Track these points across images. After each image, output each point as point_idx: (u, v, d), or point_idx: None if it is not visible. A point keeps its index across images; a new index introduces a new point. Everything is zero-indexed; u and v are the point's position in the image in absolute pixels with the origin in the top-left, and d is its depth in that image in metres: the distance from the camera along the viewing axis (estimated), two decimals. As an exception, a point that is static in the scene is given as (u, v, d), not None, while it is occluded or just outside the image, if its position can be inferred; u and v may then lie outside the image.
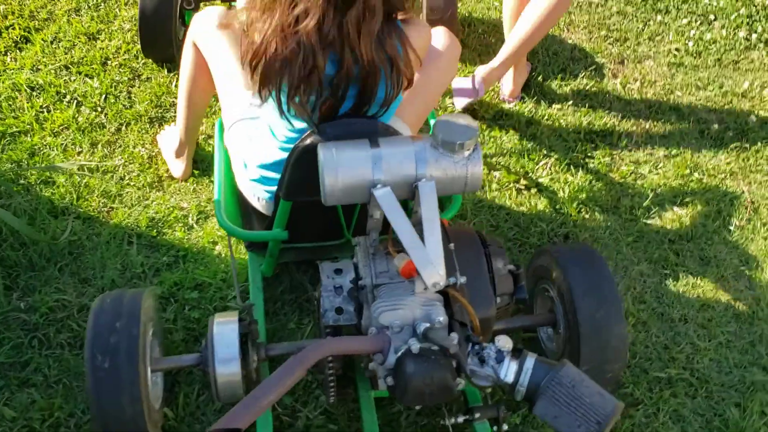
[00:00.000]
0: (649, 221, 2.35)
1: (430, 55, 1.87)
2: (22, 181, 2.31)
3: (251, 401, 1.34)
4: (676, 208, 2.39)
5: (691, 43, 3.02)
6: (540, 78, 2.80)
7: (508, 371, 1.43)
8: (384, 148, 1.53)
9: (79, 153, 2.43)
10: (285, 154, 1.69)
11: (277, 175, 1.75)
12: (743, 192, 2.46)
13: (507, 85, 2.68)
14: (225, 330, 1.66)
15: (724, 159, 2.56)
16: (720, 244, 2.30)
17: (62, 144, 2.45)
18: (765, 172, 2.53)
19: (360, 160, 1.51)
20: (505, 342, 1.48)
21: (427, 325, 1.46)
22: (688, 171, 2.50)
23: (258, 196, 1.84)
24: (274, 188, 1.76)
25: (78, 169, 2.35)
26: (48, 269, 2.10)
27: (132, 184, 2.36)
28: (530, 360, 1.43)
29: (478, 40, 2.95)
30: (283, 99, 1.58)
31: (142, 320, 1.65)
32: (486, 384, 1.47)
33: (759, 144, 2.61)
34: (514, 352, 1.45)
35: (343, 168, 1.51)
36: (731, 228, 2.34)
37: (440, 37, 1.91)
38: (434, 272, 1.47)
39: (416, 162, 1.52)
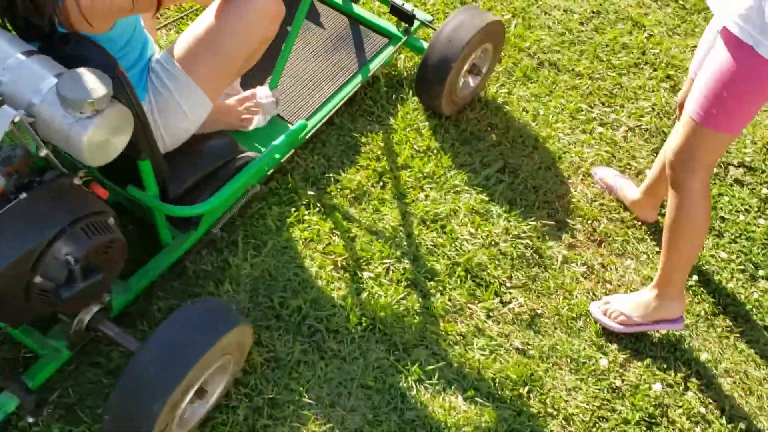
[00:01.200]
0: (500, 405, 1.66)
1: (230, 13, 1.63)
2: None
3: None
4: (563, 423, 1.65)
5: None
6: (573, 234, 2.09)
7: None
8: (28, 60, 1.36)
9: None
10: None
11: None
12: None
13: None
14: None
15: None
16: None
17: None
18: None
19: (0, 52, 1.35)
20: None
21: None
22: (608, 395, 1.68)
23: None
24: None
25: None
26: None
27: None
28: None
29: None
30: None
31: None
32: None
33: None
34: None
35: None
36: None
37: None
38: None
39: (33, 91, 1.32)
